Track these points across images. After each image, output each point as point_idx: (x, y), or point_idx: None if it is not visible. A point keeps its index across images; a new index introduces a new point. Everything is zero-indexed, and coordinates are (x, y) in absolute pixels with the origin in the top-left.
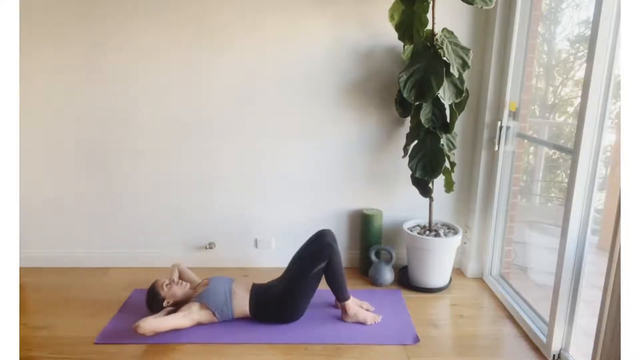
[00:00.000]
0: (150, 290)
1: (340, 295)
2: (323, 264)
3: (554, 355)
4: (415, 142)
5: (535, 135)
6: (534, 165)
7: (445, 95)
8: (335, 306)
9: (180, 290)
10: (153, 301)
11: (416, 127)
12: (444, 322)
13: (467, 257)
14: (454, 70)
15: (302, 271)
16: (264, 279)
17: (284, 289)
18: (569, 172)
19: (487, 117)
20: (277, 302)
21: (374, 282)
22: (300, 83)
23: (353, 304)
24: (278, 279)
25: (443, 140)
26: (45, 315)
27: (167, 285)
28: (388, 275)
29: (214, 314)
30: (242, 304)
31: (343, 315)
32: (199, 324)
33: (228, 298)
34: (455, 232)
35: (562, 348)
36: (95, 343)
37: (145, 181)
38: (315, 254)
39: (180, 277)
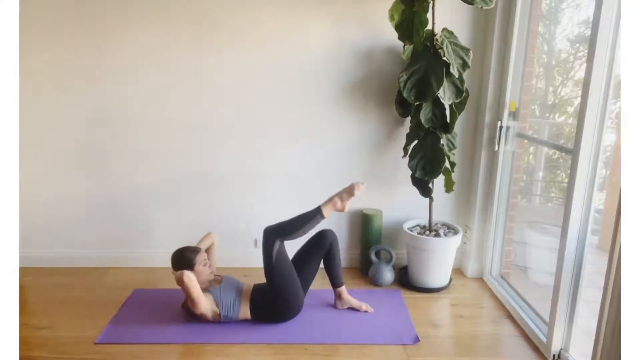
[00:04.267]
0: (187, 254)
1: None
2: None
3: (554, 355)
4: (415, 142)
5: (535, 135)
6: (534, 165)
7: (445, 95)
8: (335, 306)
9: (206, 275)
10: (182, 264)
11: (416, 127)
12: (444, 322)
13: (467, 257)
14: (454, 70)
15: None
16: (263, 279)
17: (273, 284)
18: (569, 172)
19: (487, 117)
20: (272, 298)
21: (374, 282)
22: (300, 83)
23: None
24: None
25: (443, 140)
26: (45, 316)
27: (204, 265)
28: (388, 275)
29: (219, 313)
30: (245, 309)
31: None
32: (203, 317)
33: (237, 303)
34: (455, 232)
35: (562, 348)
36: (96, 343)
37: (145, 181)
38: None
39: (208, 254)
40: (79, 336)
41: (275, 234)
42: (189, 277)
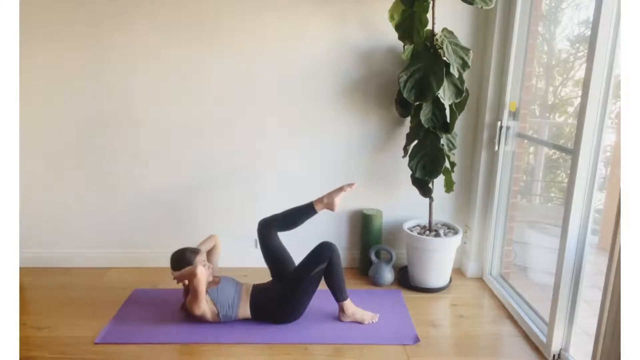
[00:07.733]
0: (187, 255)
1: (339, 295)
2: (324, 265)
3: (554, 355)
4: (415, 142)
5: (535, 135)
6: (534, 165)
7: (445, 95)
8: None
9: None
10: (181, 264)
11: (416, 127)
12: (444, 322)
13: (467, 257)
14: (454, 70)
15: (303, 272)
16: (263, 279)
17: (284, 290)
18: (569, 172)
19: (487, 117)
20: (277, 302)
21: (374, 282)
22: (300, 83)
23: (351, 304)
24: (276, 280)
25: (443, 140)
26: (45, 316)
27: (203, 266)
28: (388, 275)
29: (218, 314)
30: (244, 308)
31: (340, 315)
32: (202, 317)
33: (235, 302)
34: (455, 232)
35: (562, 348)
36: (95, 343)
37: (145, 181)
38: (317, 254)
39: (209, 256)
40: (79, 336)
41: (331, 251)
42: (202, 272)
